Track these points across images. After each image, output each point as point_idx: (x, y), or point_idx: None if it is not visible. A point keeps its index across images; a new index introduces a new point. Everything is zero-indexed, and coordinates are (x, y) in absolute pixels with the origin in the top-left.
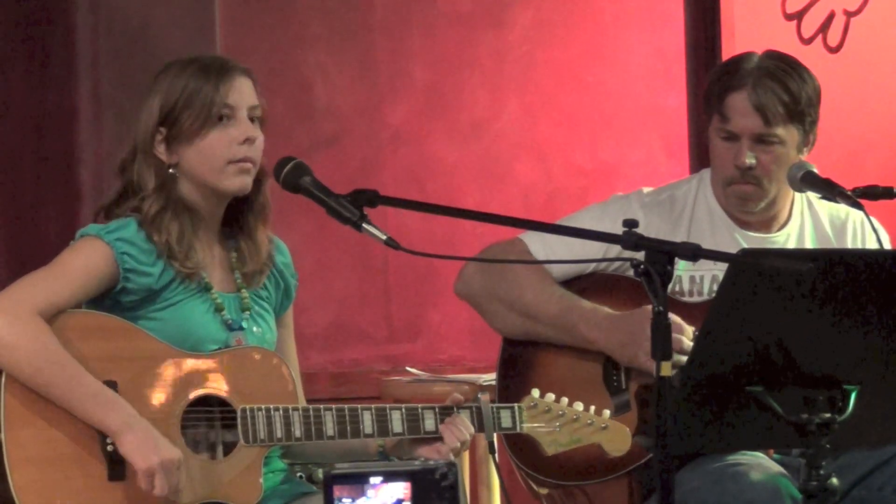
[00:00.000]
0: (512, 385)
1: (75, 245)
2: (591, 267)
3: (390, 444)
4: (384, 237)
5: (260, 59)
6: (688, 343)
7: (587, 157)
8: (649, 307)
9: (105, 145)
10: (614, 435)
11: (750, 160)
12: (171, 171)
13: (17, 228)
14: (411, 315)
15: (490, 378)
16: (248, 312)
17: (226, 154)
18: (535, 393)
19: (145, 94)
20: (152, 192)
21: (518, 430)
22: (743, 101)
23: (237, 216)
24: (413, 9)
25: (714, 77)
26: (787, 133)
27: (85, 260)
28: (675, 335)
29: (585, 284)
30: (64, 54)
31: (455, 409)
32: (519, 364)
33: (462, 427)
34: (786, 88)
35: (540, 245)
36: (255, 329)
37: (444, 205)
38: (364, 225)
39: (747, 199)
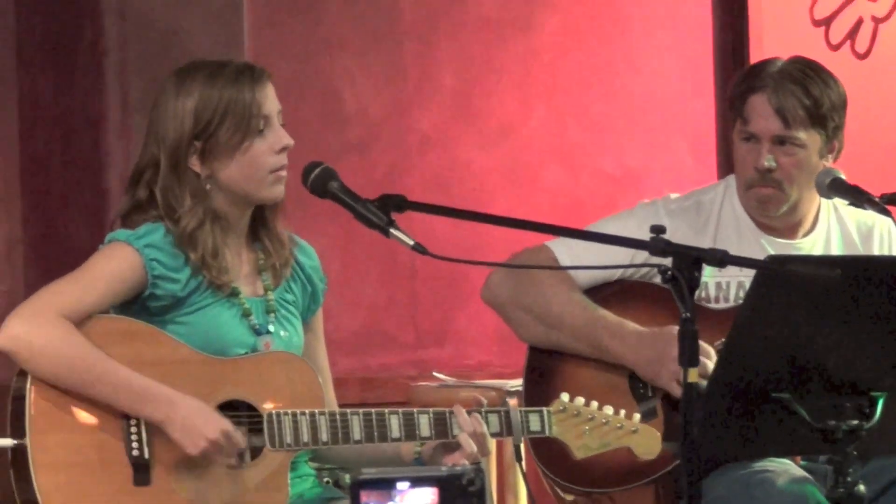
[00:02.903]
0: (539, 391)
1: (104, 250)
2: (617, 274)
3: (427, 452)
4: (412, 242)
5: (288, 65)
6: (711, 367)
7: (615, 163)
8: (675, 328)
9: (133, 151)
10: (645, 438)
11: (769, 162)
12: (205, 183)
13: (44, 233)
14: (439, 320)
15: (517, 383)
16: (273, 315)
17: (267, 165)
18: (565, 397)
19: (165, 98)
20: (189, 208)
21: (547, 433)
22: (763, 103)
23: (256, 216)
24: (441, 14)
25: (737, 80)
26: (809, 137)
27: (113, 265)
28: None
29: (611, 291)
30: (92, 60)
31: (482, 412)
32: (546, 370)
33: (469, 421)
34: (807, 92)
35: (567, 252)
36: (282, 333)
37: (471, 210)
38: (392, 230)
39: (767, 202)
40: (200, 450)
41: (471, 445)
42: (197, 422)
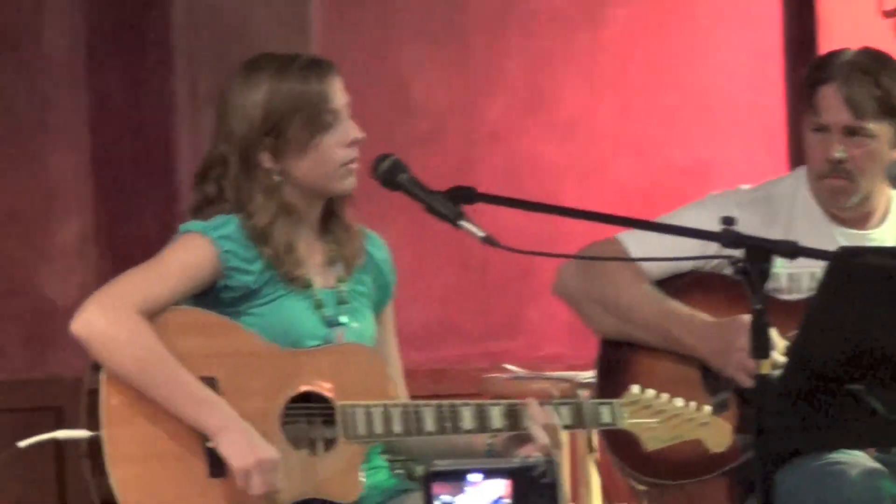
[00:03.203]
0: (610, 383)
1: (178, 241)
2: (688, 265)
3: (499, 444)
4: (482, 234)
5: (357, 57)
6: (781, 359)
7: (684, 155)
8: (744, 317)
9: (203, 143)
10: (716, 431)
11: (840, 154)
12: (276, 178)
13: (116, 227)
14: (510, 312)
15: (589, 375)
16: (345, 306)
17: (338, 158)
18: (636, 389)
19: (233, 93)
20: (261, 204)
21: (618, 425)
22: (833, 94)
23: (327, 207)
24: (510, 6)
25: (807, 71)
26: (879, 128)
27: (187, 257)
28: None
29: (682, 283)
30: (161, 52)
31: (553, 404)
32: (617, 363)
33: (541, 413)
34: (877, 83)
35: (637, 244)
36: (354, 324)
37: (541, 202)
38: (462, 222)
39: (838, 193)
40: (246, 465)
41: (543, 437)
42: (251, 441)
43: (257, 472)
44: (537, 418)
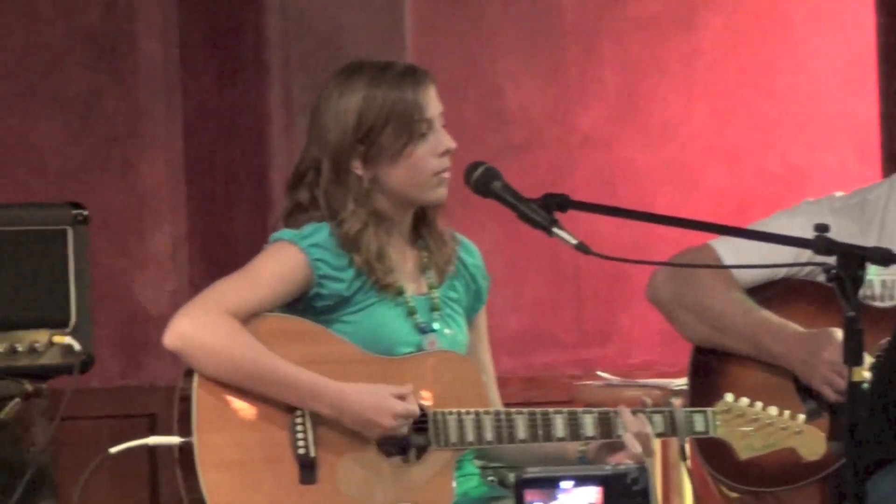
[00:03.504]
0: (703, 391)
1: (269, 250)
2: (781, 273)
3: (591, 451)
4: (575, 241)
5: (450, 65)
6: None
7: (778, 161)
8: (832, 330)
9: (296, 149)
10: (809, 439)
11: None
12: (367, 186)
13: (209, 233)
14: (602, 319)
15: (682, 383)
16: (438, 313)
17: (430, 168)
18: (729, 397)
19: (328, 99)
20: (352, 211)
21: (711, 434)
22: None
23: (418, 215)
24: (603, 13)
25: None
26: None
27: (279, 265)
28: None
29: (775, 290)
30: (255, 59)
31: (645, 412)
32: (710, 370)
33: (633, 421)
34: None
35: (730, 251)
36: (446, 331)
37: (634, 209)
38: (555, 229)
39: None
40: (378, 436)
41: (635, 445)
42: (369, 414)
43: (396, 427)
44: (630, 426)
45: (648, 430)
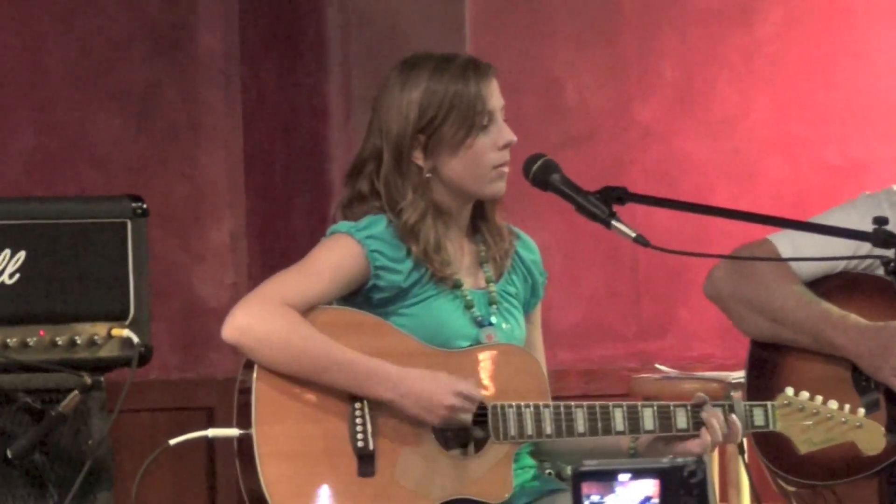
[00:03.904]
0: (761, 384)
1: (326, 242)
2: (840, 266)
3: (642, 445)
4: (634, 234)
5: (509, 58)
6: None
7: (837, 154)
8: None
9: (355, 143)
10: (869, 433)
11: None
12: (427, 176)
13: (268, 227)
14: (661, 312)
15: (740, 376)
16: (495, 307)
17: (490, 160)
18: (790, 391)
19: (390, 90)
20: (411, 200)
21: (771, 428)
22: None
23: (476, 209)
24: (662, 6)
25: None
26: None
27: (336, 257)
28: None
29: (834, 284)
30: (314, 53)
31: (708, 406)
32: (768, 363)
33: (720, 423)
34: None
35: (789, 245)
36: (504, 325)
37: (692, 202)
38: (613, 222)
39: None
40: (441, 419)
41: (715, 433)
42: (431, 393)
43: (458, 414)
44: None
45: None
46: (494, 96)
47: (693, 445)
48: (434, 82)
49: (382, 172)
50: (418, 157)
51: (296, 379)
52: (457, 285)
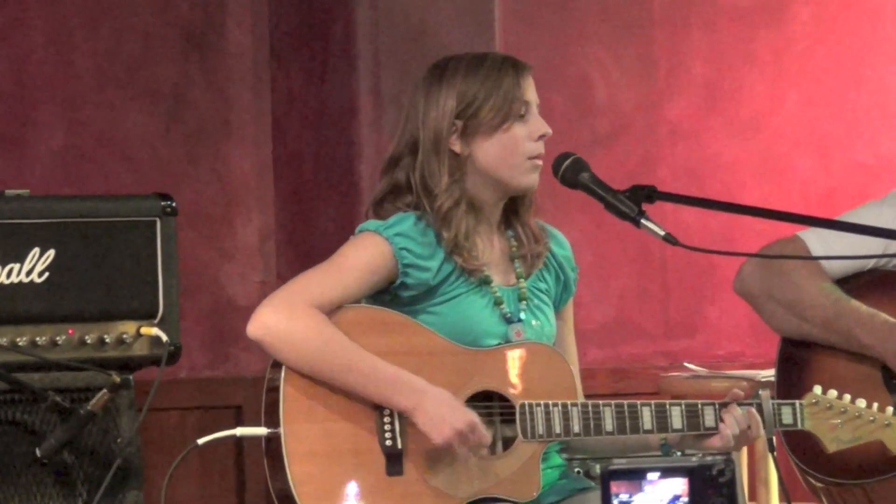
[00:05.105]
0: (791, 382)
1: (354, 240)
2: (870, 263)
3: (673, 438)
4: (663, 233)
5: (539, 56)
6: None
7: (868, 152)
8: None
9: (385, 142)
10: None
11: None
12: (462, 162)
13: (297, 225)
14: (689, 311)
15: (769, 374)
16: (525, 303)
17: (525, 150)
18: (818, 390)
19: (427, 85)
20: (447, 186)
21: (799, 426)
22: None
23: (508, 208)
24: (692, 4)
25: None
26: None
27: (364, 255)
28: None
29: (864, 281)
30: (344, 51)
31: (735, 405)
32: (798, 362)
33: (738, 417)
34: None
35: (819, 243)
36: (533, 322)
37: (721, 200)
38: (642, 221)
39: None
40: (445, 439)
41: (734, 428)
42: (444, 412)
43: (458, 443)
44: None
45: (757, 419)
46: (531, 90)
47: (713, 441)
48: (472, 73)
49: (419, 160)
50: (455, 143)
51: (317, 377)
52: (486, 282)
